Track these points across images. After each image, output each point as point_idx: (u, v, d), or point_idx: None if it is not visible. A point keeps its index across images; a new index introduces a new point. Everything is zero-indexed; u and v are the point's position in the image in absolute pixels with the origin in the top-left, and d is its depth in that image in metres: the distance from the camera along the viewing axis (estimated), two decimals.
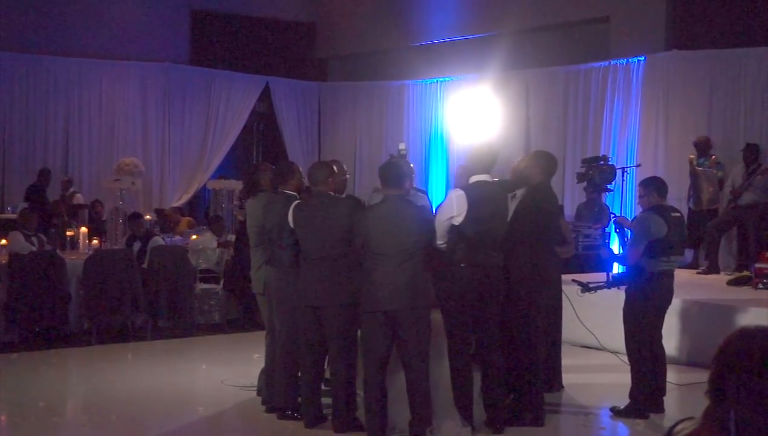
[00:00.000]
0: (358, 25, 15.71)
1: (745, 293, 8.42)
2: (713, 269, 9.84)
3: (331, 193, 5.68)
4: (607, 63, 12.31)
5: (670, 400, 6.23)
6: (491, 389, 5.56)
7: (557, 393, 6.57)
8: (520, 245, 5.72)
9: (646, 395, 5.98)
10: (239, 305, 9.93)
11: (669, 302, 6.16)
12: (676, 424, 1.91)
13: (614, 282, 6.73)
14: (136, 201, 13.21)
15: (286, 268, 5.79)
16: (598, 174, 8.05)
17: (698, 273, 9.88)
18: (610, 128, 12.17)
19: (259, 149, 16.24)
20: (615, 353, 7.15)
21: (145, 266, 9.20)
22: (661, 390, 6.14)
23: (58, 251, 9.35)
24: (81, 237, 10.28)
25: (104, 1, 14.44)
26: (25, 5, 13.78)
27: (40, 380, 7.36)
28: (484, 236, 5.45)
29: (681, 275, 7.30)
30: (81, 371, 8.10)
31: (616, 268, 7.52)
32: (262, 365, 6.33)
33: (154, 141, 14.47)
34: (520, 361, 5.76)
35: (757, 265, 8.69)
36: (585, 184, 8.80)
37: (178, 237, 11.32)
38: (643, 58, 11.88)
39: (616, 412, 6.06)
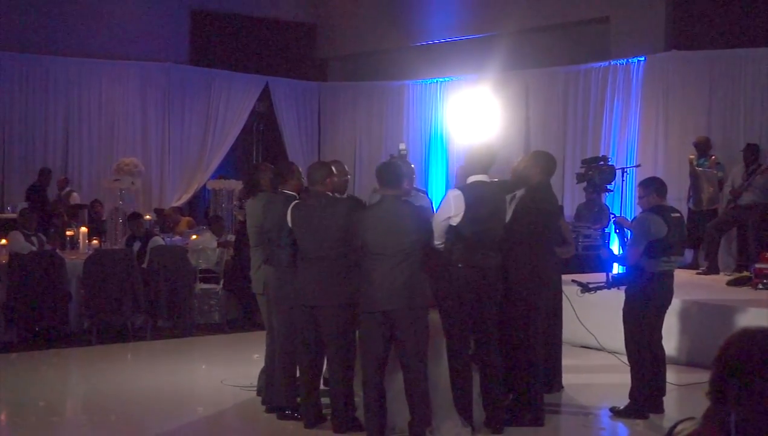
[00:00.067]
0: (358, 25, 15.72)
1: (744, 293, 8.42)
2: (713, 269, 9.84)
3: (329, 193, 5.68)
4: (606, 63, 12.32)
5: (669, 400, 6.23)
6: (490, 389, 5.56)
7: (557, 393, 6.57)
8: (519, 245, 5.73)
9: (645, 395, 5.98)
10: (239, 305, 9.93)
11: (669, 303, 6.16)
12: (677, 424, 1.92)
13: (614, 282, 6.73)
14: (136, 201, 13.21)
15: (284, 267, 5.79)
16: (597, 174, 8.06)
17: (698, 273, 9.88)
18: (609, 129, 12.17)
19: (259, 149, 16.23)
20: (614, 353, 7.15)
21: (145, 265, 9.20)
22: (661, 390, 6.14)
23: (58, 251, 9.36)
24: (81, 237, 10.28)
25: (104, 1, 14.44)
26: (25, 5, 13.78)
27: (40, 379, 7.36)
28: (481, 237, 5.45)
29: (681, 276, 7.30)
30: (81, 371, 8.10)
31: (616, 268, 7.53)
32: (261, 365, 6.32)
33: (153, 141, 14.47)
34: (519, 361, 5.76)
35: (757, 265, 8.69)
36: (585, 184, 8.80)
37: (177, 237, 11.32)
38: (642, 58, 11.88)
39: (615, 412, 6.06)
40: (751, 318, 7.15)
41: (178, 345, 8.90)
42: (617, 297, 6.34)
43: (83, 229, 10.52)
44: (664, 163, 11.35)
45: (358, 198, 6.54)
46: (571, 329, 7.26)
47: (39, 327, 8.66)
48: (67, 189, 13.10)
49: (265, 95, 15.47)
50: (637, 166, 10.96)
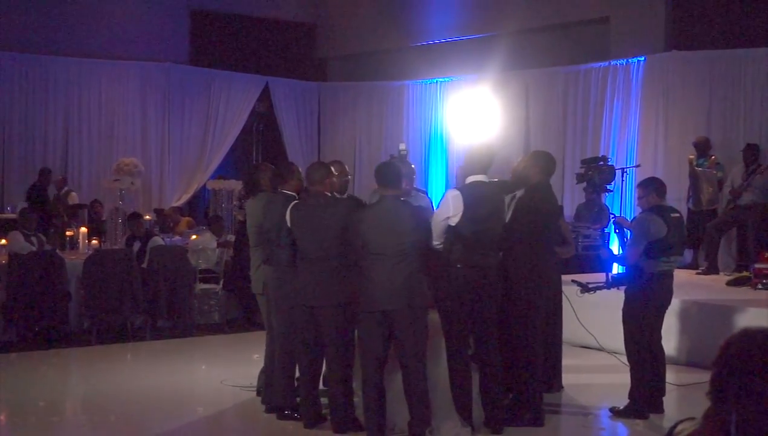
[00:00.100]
0: (358, 25, 15.72)
1: (744, 293, 8.42)
2: (712, 269, 9.84)
3: (328, 193, 5.69)
4: (606, 63, 12.32)
5: (669, 400, 6.23)
6: (489, 389, 5.56)
7: (557, 393, 6.57)
8: (518, 245, 5.73)
9: (645, 395, 5.98)
10: (239, 305, 9.93)
11: (668, 303, 6.16)
12: (677, 424, 1.92)
13: (614, 283, 6.73)
14: (136, 201, 13.22)
15: (283, 267, 5.79)
16: (597, 174, 8.08)
17: (698, 273, 9.87)
18: (609, 129, 12.18)
19: (259, 149, 16.22)
20: (614, 353, 7.15)
21: (144, 266, 9.20)
22: (661, 390, 6.14)
23: (57, 251, 9.35)
24: (81, 237, 10.28)
25: (104, 1, 14.44)
26: (25, 5, 13.77)
27: (39, 379, 7.36)
28: (480, 237, 5.45)
29: (680, 276, 7.30)
30: (81, 371, 8.10)
31: (616, 268, 7.52)
32: (261, 365, 6.32)
33: (153, 141, 14.47)
34: (518, 361, 5.76)
35: (757, 265, 8.69)
36: (584, 184, 8.81)
37: (177, 237, 11.31)
38: (642, 58, 11.88)
39: (615, 412, 6.06)
40: (750, 318, 7.15)
41: (177, 345, 8.90)
42: (617, 297, 6.34)
43: (83, 229, 10.52)
44: (664, 164, 11.35)
45: (358, 198, 6.54)
46: (571, 329, 7.26)
47: (39, 327, 8.65)
48: (66, 189, 13.09)
49: (265, 95, 15.46)
50: (637, 166, 10.96)
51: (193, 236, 10.52)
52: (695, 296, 7.90)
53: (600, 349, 7.62)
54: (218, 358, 8.39)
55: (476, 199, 5.45)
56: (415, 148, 14.20)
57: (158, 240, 9.81)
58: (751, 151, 10.07)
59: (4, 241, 9.17)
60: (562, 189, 12.07)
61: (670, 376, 6.41)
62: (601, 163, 8.20)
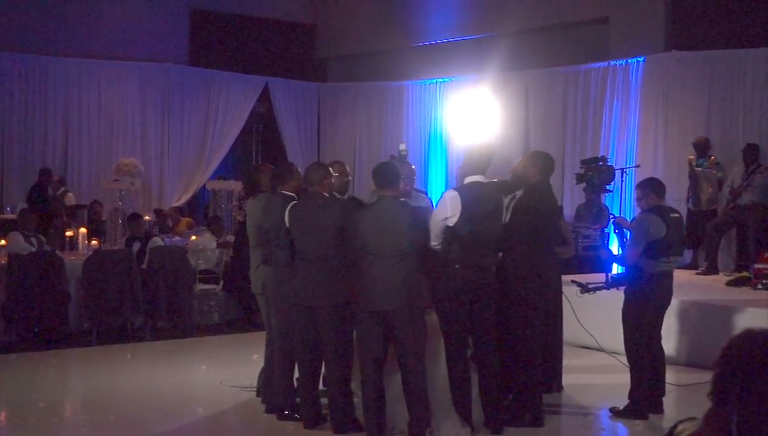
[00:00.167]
0: (358, 25, 15.72)
1: (744, 293, 8.42)
2: (712, 269, 9.84)
3: (326, 193, 5.68)
4: (606, 64, 12.32)
5: (669, 400, 6.23)
6: (489, 389, 5.56)
7: (557, 394, 6.57)
8: (518, 245, 5.73)
9: (645, 395, 5.98)
10: (239, 305, 9.93)
11: (668, 303, 6.16)
12: (677, 424, 1.92)
13: (613, 283, 6.73)
14: (136, 201, 13.22)
15: (282, 267, 5.79)
16: (597, 175, 8.06)
17: (697, 274, 9.87)
18: (609, 129, 12.18)
19: (259, 150, 16.23)
20: (614, 354, 7.15)
21: (144, 266, 9.20)
22: (661, 391, 6.14)
23: (57, 252, 9.35)
24: (80, 237, 10.27)
25: (104, 1, 14.44)
26: (25, 5, 13.77)
27: (39, 380, 7.37)
28: (478, 237, 5.45)
29: (680, 276, 7.30)
30: (81, 371, 8.10)
31: (616, 269, 7.52)
32: (261, 365, 6.33)
33: (153, 141, 14.46)
34: (518, 361, 5.76)
35: (756, 265, 8.69)
36: (584, 185, 8.80)
37: (177, 238, 11.31)
38: (642, 58, 11.88)
39: (615, 412, 6.06)
40: (750, 318, 7.15)
41: (177, 346, 8.89)
42: (617, 297, 6.34)
43: (83, 229, 10.52)
44: (664, 164, 11.35)
45: (358, 199, 6.54)
46: (570, 329, 7.26)
47: (38, 328, 8.65)
48: (62, 189, 13.09)
49: (265, 96, 15.46)
50: (637, 166, 10.96)
51: (193, 237, 10.52)
52: (695, 296, 7.91)
53: (600, 349, 7.61)
54: (218, 358, 8.39)
55: (474, 199, 5.45)
56: (415, 148, 14.19)
57: (158, 241, 9.81)
58: (751, 151, 10.07)
59: (3, 241, 9.17)
60: (561, 189, 12.08)
61: (670, 376, 6.41)
62: (601, 163, 8.18)
